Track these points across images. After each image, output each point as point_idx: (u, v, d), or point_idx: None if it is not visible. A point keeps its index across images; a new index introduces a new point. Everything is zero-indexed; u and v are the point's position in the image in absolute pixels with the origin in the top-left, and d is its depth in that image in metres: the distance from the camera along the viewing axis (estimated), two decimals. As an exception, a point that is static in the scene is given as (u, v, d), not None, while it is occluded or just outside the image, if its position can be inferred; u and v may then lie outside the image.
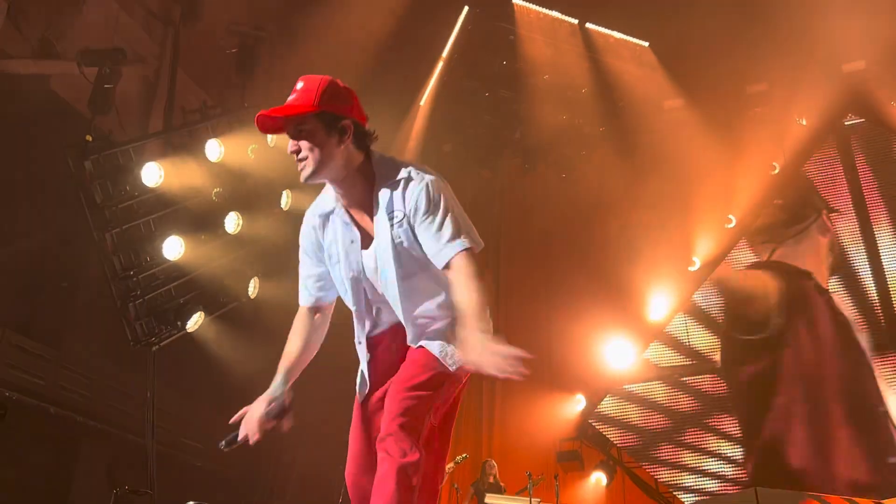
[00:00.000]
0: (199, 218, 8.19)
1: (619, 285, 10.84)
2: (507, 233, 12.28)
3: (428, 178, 2.47)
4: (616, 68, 11.19)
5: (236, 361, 8.70)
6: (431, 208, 2.40)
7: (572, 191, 11.48)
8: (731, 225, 11.10)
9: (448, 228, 2.38)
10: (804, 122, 11.02)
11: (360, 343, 2.69)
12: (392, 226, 2.42)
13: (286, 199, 9.34)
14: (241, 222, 8.66)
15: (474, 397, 11.29)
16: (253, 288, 9.08)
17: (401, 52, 10.17)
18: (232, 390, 8.91)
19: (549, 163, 12.06)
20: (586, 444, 11.01)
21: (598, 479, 10.71)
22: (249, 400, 2.63)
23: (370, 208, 2.48)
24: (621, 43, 11.16)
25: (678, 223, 11.01)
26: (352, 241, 2.53)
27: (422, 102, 11.40)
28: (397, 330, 2.60)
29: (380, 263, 2.49)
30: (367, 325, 2.67)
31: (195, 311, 8.15)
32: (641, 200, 10.91)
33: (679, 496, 10.19)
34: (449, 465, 8.09)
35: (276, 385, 2.62)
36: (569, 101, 11.46)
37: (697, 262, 11.18)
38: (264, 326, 9.31)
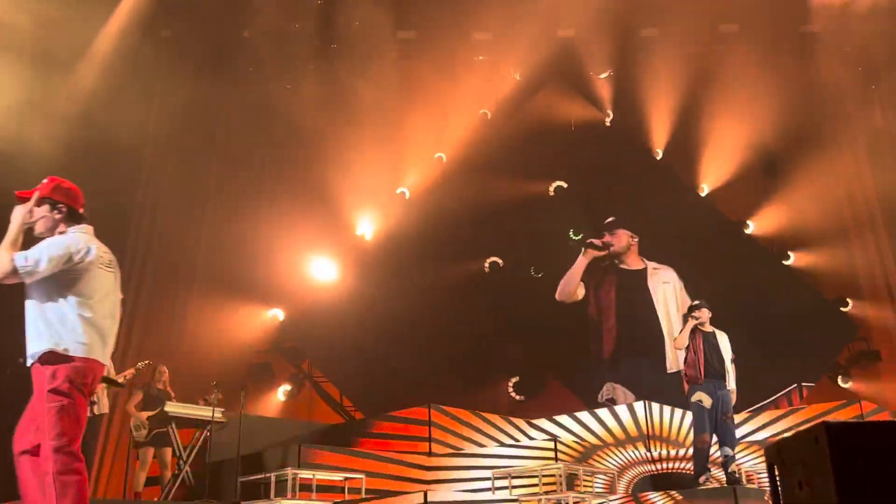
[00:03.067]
0: None
1: (331, 205, 10.97)
2: (226, 139, 11.63)
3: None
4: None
5: None
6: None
7: (295, 104, 11.18)
8: (439, 156, 11.72)
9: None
10: (518, 77, 11.81)
11: None
12: None
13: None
14: None
15: (166, 306, 10.75)
16: None
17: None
18: None
19: (276, 71, 11.57)
20: (278, 357, 11.13)
21: (286, 391, 10.93)
22: None
23: None
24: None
25: (393, 150, 11.33)
26: None
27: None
28: None
29: None
30: None
31: None
32: (361, 124, 11.01)
33: (363, 411, 10.76)
34: (130, 371, 7.71)
35: None
36: (302, 9, 11.05)
37: (406, 191, 11.68)
38: None
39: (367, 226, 11.55)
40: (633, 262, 11.19)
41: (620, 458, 7.90)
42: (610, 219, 11.10)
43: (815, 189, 10.99)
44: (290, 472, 6.35)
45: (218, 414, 7.39)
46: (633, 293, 11.06)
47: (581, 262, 10.86)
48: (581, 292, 11.16)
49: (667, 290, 11.08)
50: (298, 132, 11.09)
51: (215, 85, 10.77)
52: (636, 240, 11.12)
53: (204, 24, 10.96)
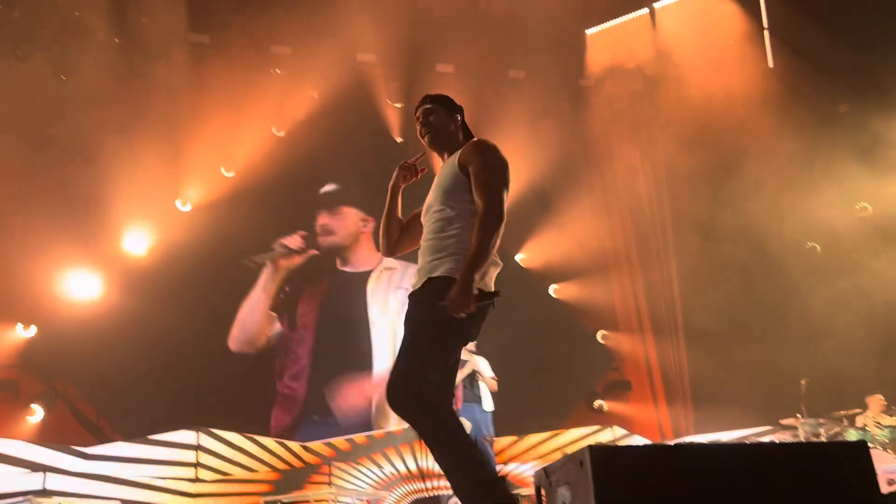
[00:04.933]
0: None
1: (97, 213, 10.03)
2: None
3: None
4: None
5: None
6: None
7: (69, 99, 10.16)
8: (230, 175, 11.20)
9: None
10: (315, 96, 11.68)
11: None
12: None
13: None
14: None
15: None
16: None
17: None
18: None
19: (50, 58, 10.37)
20: (26, 374, 9.99)
21: (34, 410, 9.85)
22: None
23: None
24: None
25: (175, 160, 10.68)
26: None
27: None
28: None
29: None
30: None
31: None
32: (139, 128, 10.27)
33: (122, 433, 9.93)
34: None
35: None
36: (84, -2, 10.15)
37: (188, 205, 11.03)
38: None
39: (140, 239, 10.70)
40: (363, 260, 9.47)
41: (400, 484, 7.99)
42: (328, 187, 8.83)
43: (581, 226, 12.01)
44: (31, 499, 5.70)
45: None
46: (350, 302, 9.08)
47: (262, 281, 8.75)
48: (275, 328, 9.28)
49: (397, 299, 8.94)
50: (63, 127, 10.06)
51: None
52: (370, 226, 9.23)
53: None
